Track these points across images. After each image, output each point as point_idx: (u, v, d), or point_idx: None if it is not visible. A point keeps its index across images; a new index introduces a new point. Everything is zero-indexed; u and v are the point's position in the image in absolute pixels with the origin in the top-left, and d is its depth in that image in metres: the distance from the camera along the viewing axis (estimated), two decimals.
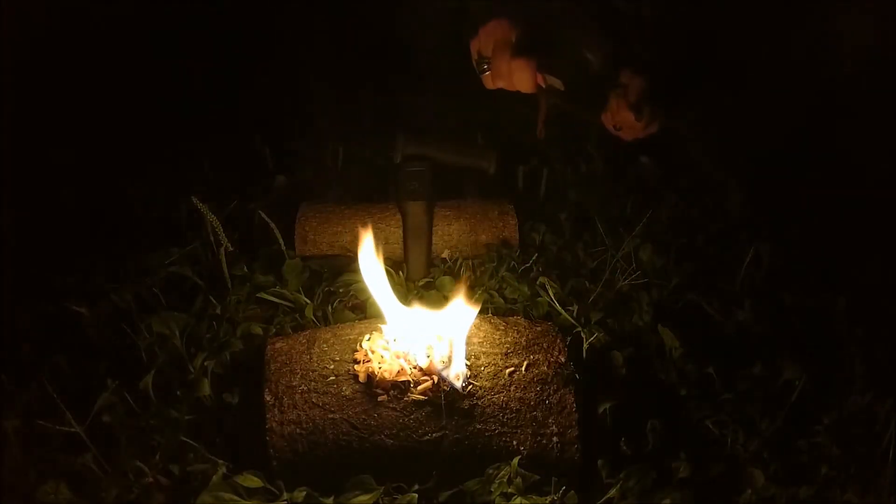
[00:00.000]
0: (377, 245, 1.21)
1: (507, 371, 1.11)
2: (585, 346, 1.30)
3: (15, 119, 1.70)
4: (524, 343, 1.16)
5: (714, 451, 1.14)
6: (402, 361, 1.10)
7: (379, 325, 1.19)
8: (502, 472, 0.99)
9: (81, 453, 1.05)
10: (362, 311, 1.40)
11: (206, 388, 1.19)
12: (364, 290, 1.42)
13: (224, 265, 1.36)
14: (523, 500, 0.98)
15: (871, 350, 1.30)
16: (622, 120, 1.16)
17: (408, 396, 1.06)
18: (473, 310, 1.11)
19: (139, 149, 1.90)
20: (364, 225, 1.23)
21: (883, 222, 1.58)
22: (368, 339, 1.14)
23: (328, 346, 1.15)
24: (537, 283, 1.43)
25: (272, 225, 1.46)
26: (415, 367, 1.09)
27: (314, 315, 1.37)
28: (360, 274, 1.41)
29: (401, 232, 1.52)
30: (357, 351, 1.13)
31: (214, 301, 1.35)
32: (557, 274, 1.47)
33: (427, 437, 1.03)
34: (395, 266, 1.52)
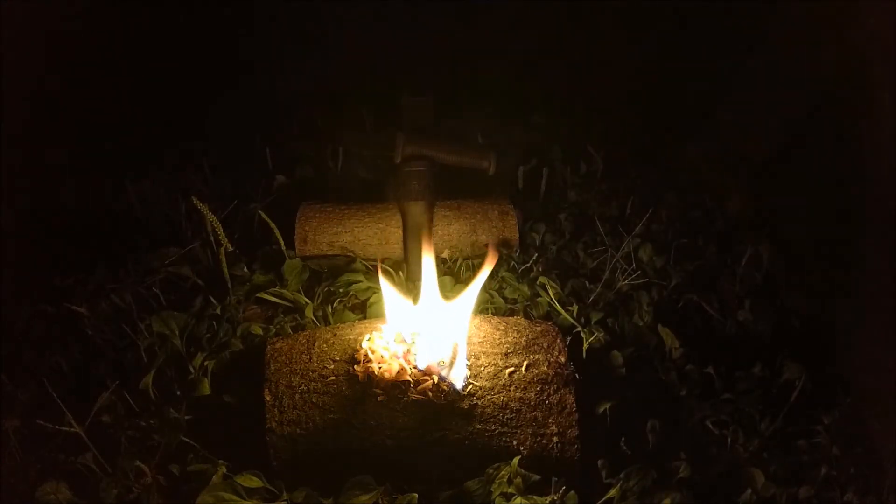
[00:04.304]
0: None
1: (507, 371, 1.11)
2: (585, 346, 1.30)
3: (15, 119, 1.70)
4: (524, 343, 1.16)
5: (714, 451, 1.14)
6: (402, 361, 1.10)
7: (379, 324, 1.19)
8: (502, 472, 0.99)
9: (81, 453, 1.05)
10: (362, 311, 1.40)
11: (206, 388, 1.19)
12: (364, 290, 1.43)
13: (224, 265, 1.36)
14: (523, 500, 0.98)
15: (871, 350, 1.30)
16: None
17: (408, 396, 1.06)
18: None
19: (139, 149, 1.90)
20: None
21: (882, 223, 1.58)
22: (368, 340, 1.14)
23: (328, 346, 1.15)
24: (537, 283, 1.43)
25: (272, 225, 1.46)
26: (415, 367, 1.09)
27: (314, 315, 1.37)
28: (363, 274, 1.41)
29: (401, 232, 1.52)
30: (357, 351, 1.13)
31: (214, 301, 1.36)
32: (557, 274, 1.48)
33: (427, 437, 1.03)
34: (395, 266, 1.52)
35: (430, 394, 1.06)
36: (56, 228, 1.64)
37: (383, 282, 1.18)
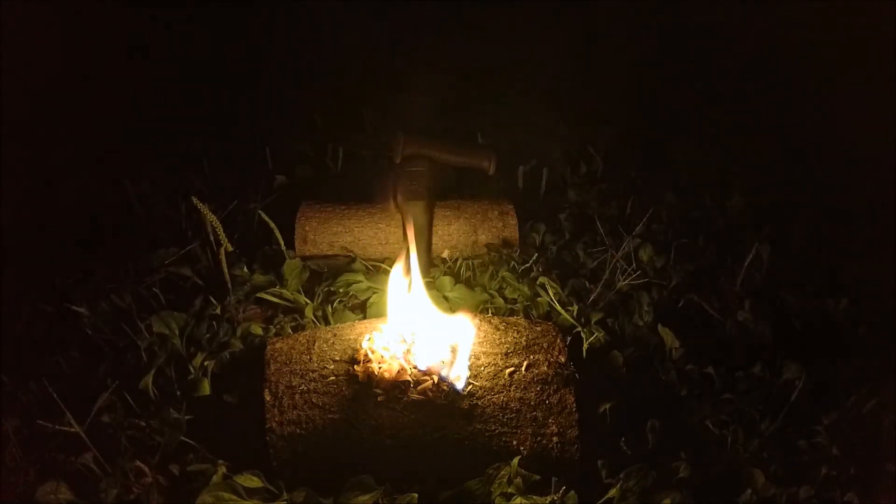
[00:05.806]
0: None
1: (508, 371, 1.11)
2: (585, 346, 1.30)
3: (15, 119, 1.70)
4: (524, 343, 1.16)
5: (714, 451, 1.14)
6: (402, 361, 1.10)
7: (379, 324, 1.19)
8: (502, 472, 0.99)
9: (81, 453, 1.05)
10: (362, 311, 1.40)
11: (206, 388, 1.19)
12: (364, 290, 1.43)
13: (224, 265, 1.36)
14: (523, 500, 0.98)
15: (872, 350, 1.30)
16: None
17: (408, 396, 1.06)
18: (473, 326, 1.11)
19: (139, 149, 1.90)
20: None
21: (882, 223, 1.59)
22: (368, 340, 1.14)
23: (328, 346, 1.15)
24: (537, 283, 1.43)
25: (272, 225, 1.46)
26: (415, 367, 1.09)
27: (314, 315, 1.37)
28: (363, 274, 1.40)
29: (401, 232, 1.52)
30: (357, 351, 1.13)
31: (214, 301, 1.36)
32: (557, 274, 1.47)
33: (427, 437, 1.03)
34: None
35: (430, 394, 1.06)
36: (56, 228, 1.64)
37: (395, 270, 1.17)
